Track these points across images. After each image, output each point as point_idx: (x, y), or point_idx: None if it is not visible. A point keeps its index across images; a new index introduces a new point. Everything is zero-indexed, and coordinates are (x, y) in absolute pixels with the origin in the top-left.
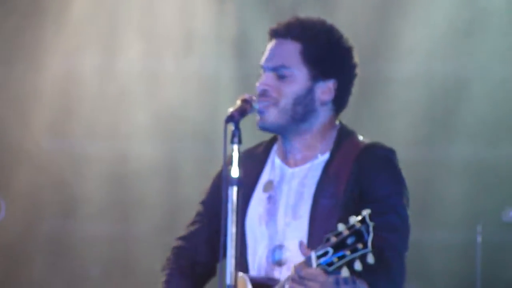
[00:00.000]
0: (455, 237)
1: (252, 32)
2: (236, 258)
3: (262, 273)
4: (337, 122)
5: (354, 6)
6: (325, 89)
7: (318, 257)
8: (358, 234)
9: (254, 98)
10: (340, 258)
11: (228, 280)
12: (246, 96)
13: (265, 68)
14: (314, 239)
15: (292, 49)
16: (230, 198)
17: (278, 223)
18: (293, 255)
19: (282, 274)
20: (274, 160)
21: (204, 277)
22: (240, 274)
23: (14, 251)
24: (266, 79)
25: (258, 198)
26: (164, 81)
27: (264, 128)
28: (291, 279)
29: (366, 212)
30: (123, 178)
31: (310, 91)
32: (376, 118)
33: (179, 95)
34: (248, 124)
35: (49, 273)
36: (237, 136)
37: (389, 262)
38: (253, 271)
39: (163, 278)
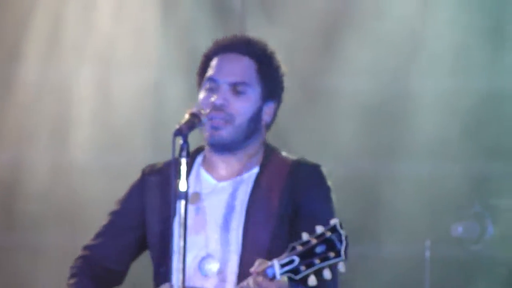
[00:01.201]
0: (403, 251)
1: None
2: (183, 271)
3: (190, 284)
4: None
5: (299, 22)
6: (268, 111)
7: (282, 265)
8: (328, 243)
9: (202, 112)
10: (308, 266)
11: None
12: (194, 109)
13: (219, 82)
14: (248, 251)
15: (250, 66)
16: (178, 212)
17: (208, 234)
18: (223, 267)
19: (211, 285)
20: (200, 173)
21: (112, 284)
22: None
23: None
24: (223, 94)
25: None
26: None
27: (217, 144)
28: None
29: (335, 221)
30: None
31: (259, 110)
32: (322, 131)
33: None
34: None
35: None
36: (185, 149)
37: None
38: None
39: (72, 280)
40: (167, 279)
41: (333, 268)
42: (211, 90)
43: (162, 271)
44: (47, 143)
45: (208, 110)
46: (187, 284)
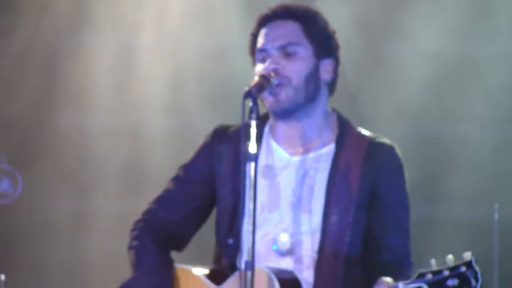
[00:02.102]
0: (472, 214)
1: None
2: (253, 234)
3: (260, 261)
4: (330, 109)
5: None
6: (326, 68)
7: None
8: (462, 277)
9: (272, 74)
10: None
11: (246, 256)
12: (263, 71)
13: (268, 49)
14: (328, 237)
15: (295, 28)
16: (248, 173)
17: (283, 213)
18: (297, 248)
19: (286, 264)
20: (270, 144)
21: (173, 249)
22: (260, 267)
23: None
24: (274, 59)
25: (258, 184)
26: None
27: (279, 110)
28: None
29: (471, 257)
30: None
31: (316, 69)
32: (388, 92)
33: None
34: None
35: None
36: (255, 112)
37: (407, 271)
38: (247, 257)
39: (135, 243)
40: (235, 252)
41: (410, 265)
42: (263, 60)
43: (230, 243)
44: (112, 108)
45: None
46: (259, 262)
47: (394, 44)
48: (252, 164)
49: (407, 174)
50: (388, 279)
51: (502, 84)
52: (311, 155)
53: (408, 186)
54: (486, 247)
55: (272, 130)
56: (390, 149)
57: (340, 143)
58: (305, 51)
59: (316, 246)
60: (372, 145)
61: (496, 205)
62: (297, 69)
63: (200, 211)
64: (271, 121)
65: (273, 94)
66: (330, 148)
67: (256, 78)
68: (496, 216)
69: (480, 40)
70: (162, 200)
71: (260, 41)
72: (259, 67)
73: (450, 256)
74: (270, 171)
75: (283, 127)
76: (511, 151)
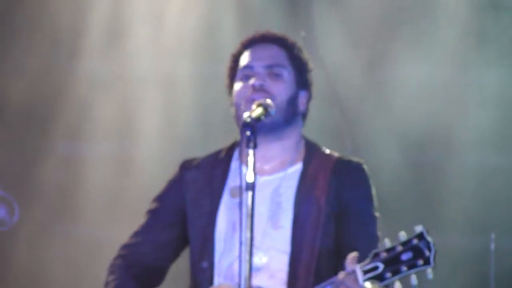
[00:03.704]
0: (468, 244)
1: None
2: (250, 262)
3: (235, 280)
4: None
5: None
6: (302, 99)
7: (365, 271)
8: (415, 250)
9: (269, 102)
10: (394, 273)
11: (243, 285)
12: (261, 101)
13: (255, 67)
14: (298, 250)
15: (281, 52)
16: (245, 202)
17: (255, 231)
18: (273, 263)
19: (260, 281)
20: (239, 167)
21: (152, 282)
22: (228, 284)
23: None
24: (261, 76)
25: (228, 204)
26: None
27: (261, 125)
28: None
29: (421, 229)
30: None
31: (296, 96)
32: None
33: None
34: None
35: None
36: (253, 141)
37: None
38: (220, 278)
39: (111, 277)
40: (211, 275)
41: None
42: (247, 77)
43: (205, 266)
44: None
45: (249, 92)
46: (230, 280)
47: (392, 72)
48: (250, 193)
49: (374, 191)
50: (353, 257)
51: (493, 114)
52: (279, 174)
53: (376, 201)
54: (483, 278)
55: (241, 154)
56: (357, 164)
57: (307, 161)
58: (289, 75)
59: (287, 260)
60: (339, 162)
61: (493, 235)
62: (281, 89)
63: (175, 241)
64: (242, 146)
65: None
66: (298, 167)
67: (254, 107)
68: (492, 246)
69: (474, 69)
70: (138, 234)
71: (246, 60)
72: (239, 86)
73: (402, 232)
74: (240, 191)
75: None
76: (506, 179)
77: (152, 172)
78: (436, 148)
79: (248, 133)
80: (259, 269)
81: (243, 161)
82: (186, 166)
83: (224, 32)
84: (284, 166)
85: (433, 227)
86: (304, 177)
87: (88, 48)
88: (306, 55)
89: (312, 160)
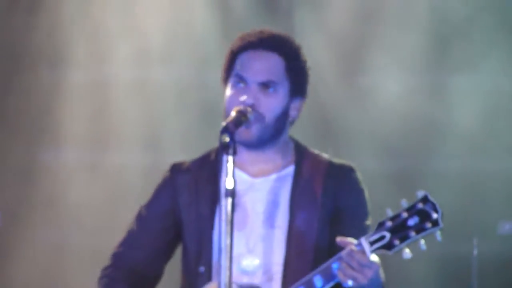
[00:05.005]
0: (450, 249)
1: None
2: (230, 269)
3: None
4: (288, 137)
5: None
6: (296, 106)
7: (372, 242)
8: (421, 214)
9: (249, 109)
10: (403, 239)
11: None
12: (241, 107)
13: (249, 81)
14: (294, 249)
15: (278, 64)
16: (225, 209)
17: (249, 230)
18: (267, 264)
19: (257, 282)
20: (233, 170)
21: (148, 286)
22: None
23: None
24: (253, 93)
25: (223, 205)
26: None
27: (249, 142)
28: (345, 264)
29: (424, 193)
30: None
31: (287, 108)
32: (366, 126)
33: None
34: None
35: None
36: (232, 147)
37: None
38: (217, 278)
39: (103, 282)
40: (207, 279)
41: None
42: (239, 89)
43: (202, 271)
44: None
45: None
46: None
47: (375, 77)
48: (229, 200)
49: (367, 193)
50: (351, 239)
51: (474, 120)
52: (272, 176)
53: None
54: (465, 283)
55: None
56: (350, 168)
57: (299, 163)
58: (282, 90)
59: (282, 260)
60: (332, 165)
61: (475, 240)
62: (271, 107)
63: (166, 246)
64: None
65: (246, 126)
66: (291, 169)
67: (233, 113)
68: (475, 251)
69: (454, 72)
70: (127, 242)
71: (242, 66)
72: (231, 92)
73: (404, 200)
74: (225, 196)
75: (245, 155)
76: (487, 185)
77: (135, 181)
78: (417, 153)
79: (227, 139)
80: (255, 268)
81: (235, 163)
82: (176, 169)
83: (205, 38)
84: (278, 168)
85: None
86: (298, 178)
87: (70, 57)
88: (304, 58)
89: (303, 162)
